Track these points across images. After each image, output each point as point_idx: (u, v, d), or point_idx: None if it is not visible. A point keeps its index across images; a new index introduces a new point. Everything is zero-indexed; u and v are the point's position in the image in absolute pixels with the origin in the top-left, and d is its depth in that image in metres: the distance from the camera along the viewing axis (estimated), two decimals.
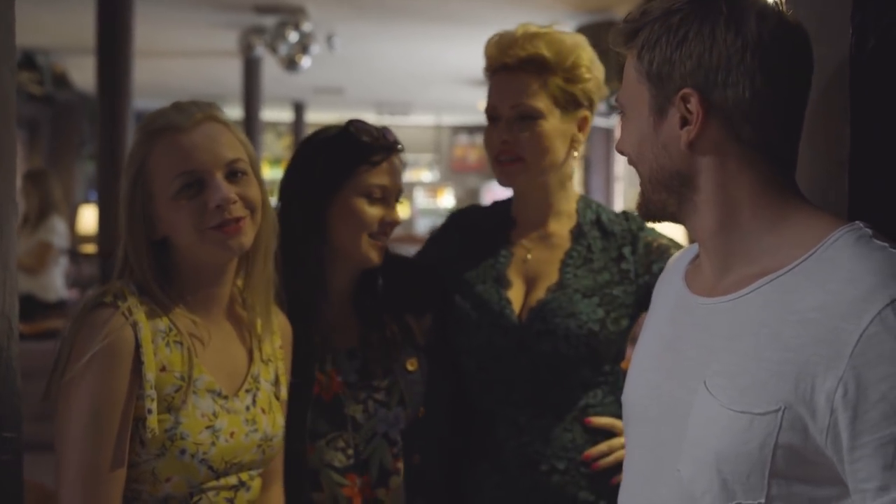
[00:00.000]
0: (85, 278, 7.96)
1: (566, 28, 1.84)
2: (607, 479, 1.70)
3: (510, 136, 1.74)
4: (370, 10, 7.19)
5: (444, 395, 1.81)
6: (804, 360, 0.98)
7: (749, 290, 1.07)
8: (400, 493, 1.76)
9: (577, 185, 1.88)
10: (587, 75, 1.76)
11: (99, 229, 5.49)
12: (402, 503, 1.76)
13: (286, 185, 1.79)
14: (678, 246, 1.76)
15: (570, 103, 1.76)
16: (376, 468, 1.73)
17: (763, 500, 1.02)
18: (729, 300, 1.09)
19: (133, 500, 1.41)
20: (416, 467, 1.78)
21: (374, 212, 1.73)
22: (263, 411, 1.51)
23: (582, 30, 6.99)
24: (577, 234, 1.80)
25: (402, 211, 1.81)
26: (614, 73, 1.33)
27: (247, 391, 1.49)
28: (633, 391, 1.24)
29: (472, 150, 15.96)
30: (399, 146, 1.78)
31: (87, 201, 10.55)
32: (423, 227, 14.10)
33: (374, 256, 1.75)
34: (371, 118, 1.87)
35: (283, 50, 7.44)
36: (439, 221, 2.14)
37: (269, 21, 7.43)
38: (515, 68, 1.73)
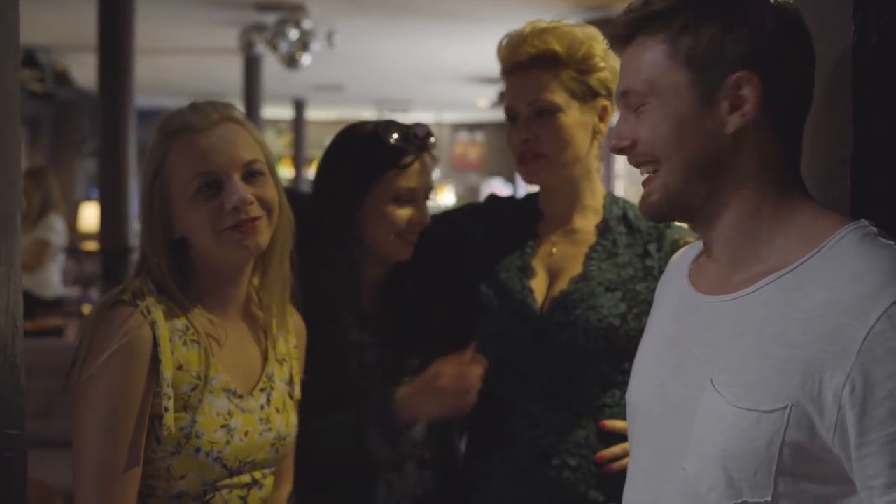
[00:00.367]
0: (86, 275, 7.97)
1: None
2: (619, 482, 1.70)
3: (529, 134, 1.74)
4: (370, 8, 7.19)
5: None
6: (810, 357, 0.98)
7: (755, 288, 1.07)
8: (412, 476, 1.78)
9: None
10: (601, 64, 1.76)
11: (100, 226, 5.50)
12: (412, 487, 1.79)
13: (318, 182, 1.83)
14: None
15: (588, 94, 1.76)
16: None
17: (769, 498, 1.02)
18: (735, 298, 1.09)
19: (148, 497, 1.42)
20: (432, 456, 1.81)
21: (403, 213, 1.75)
22: (277, 410, 1.52)
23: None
24: (603, 228, 1.80)
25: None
26: None
27: (261, 390, 1.50)
28: (638, 389, 1.23)
29: (473, 148, 15.97)
30: (431, 141, 1.79)
31: (88, 199, 10.56)
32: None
33: (403, 254, 1.78)
34: (371, 115, 1.88)
35: (283, 47, 7.44)
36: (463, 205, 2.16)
37: (270, 18, 7.42)
38: (528, 66, 1.74)
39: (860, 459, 0.96)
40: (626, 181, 9.89)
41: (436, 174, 1.88)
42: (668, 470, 1.12)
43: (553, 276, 1.78)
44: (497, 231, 1.87)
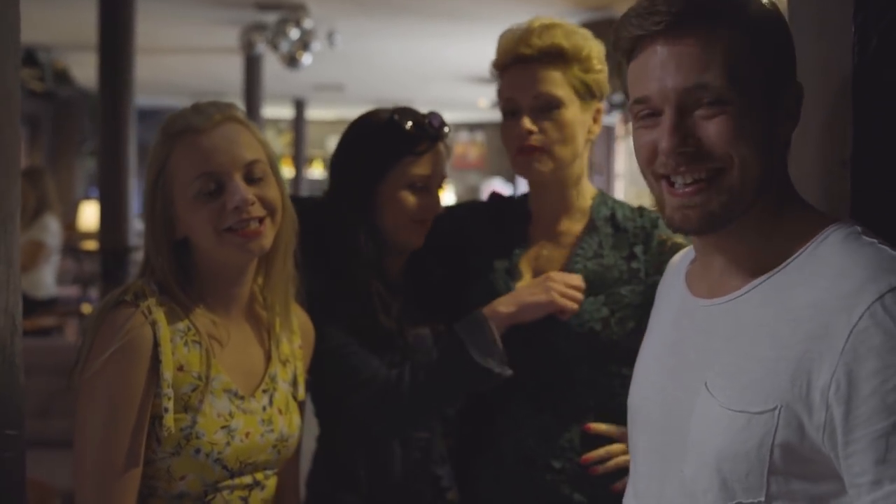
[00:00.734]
0: (86, 275, 7.96)
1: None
2: (603, 484, 1.70)
3: (534, 126, 1.74)
4: (371, 7, 7.19)
5: None
6: (798, 357, 0.99)
7: (746, 290, 1.08)
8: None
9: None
10: (599, 66, 1.77)
11: (100, 226, 5.50)
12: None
13: (334, 169, 1.84)
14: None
15: (587, 94, 1.77)
16: None
17: (763, 499, 1.02)
18: (728, 301, 1.09)
19: (149, 497, 1.42)
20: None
21: (416, 200, 1.77)
22: (280, 412, 1.52)
23: (582, 27, 6.97)
24: (590, 229, 1.80)
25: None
26: (615, 70, 1.25)
27: (264, 391, 1.50)
28: (638, 394, 1.24)
29: (473, 148, 15.96)
30: (445, 130, 1.81)
31: (87, 198, 10.56)
32: None
33: (416, 240, 1.80)
34: None
35: (284, 47, 7.43)
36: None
37: (271, 18, 7.42)
38: (533, 60, 1.74)
39: (847, 457, 0.96)
40: (627, 181, 9.87)
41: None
42: (668, 473, 1.12)
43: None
44: (491, 232, 1.87)
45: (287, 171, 15.37)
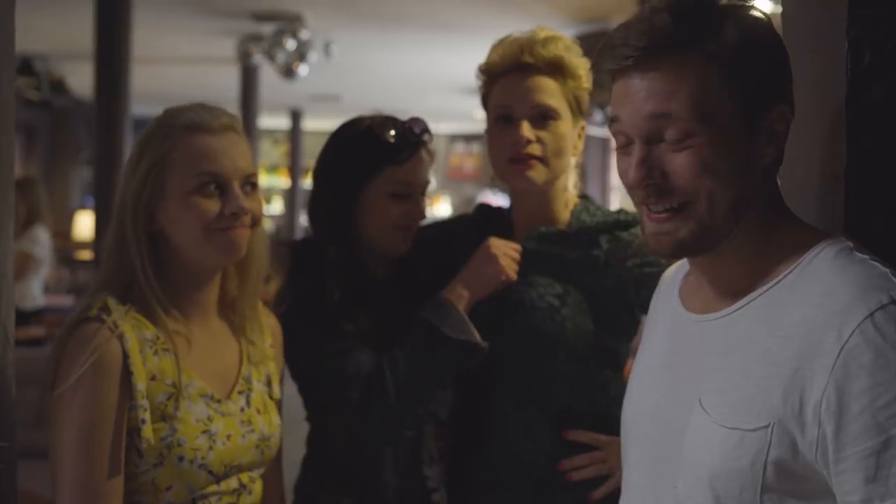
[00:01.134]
0: (81, 284, 7.95)
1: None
2: (586, 484, 1.70)
3: (532, 135, 1.73)
4: (367, 19, 7.20)
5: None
6: (790, 374, 0.98)
7: (739, 307, 1.07)
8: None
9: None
10: (587, 84, 1.78)
11: (95, 235, 5.49)
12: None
13: (316, 180, 1.85)
14: None
15: (577, 109, 1.78)
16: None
17: None
18: (721, 317, 1.09)
19: None
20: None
21: (399, 208, 1.77)
22: (258, 412, 1.51)
23: (579, 39, 6.99)
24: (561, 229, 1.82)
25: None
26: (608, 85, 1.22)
27: (239, 393, 1.50)
28: (631, 409, 1.23)
29: (469, 159, 15.99)
30: (427, 136, 1.81)
31: (83, 207, 10.54)
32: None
33: (400, 247, 1.80)
34: None
35: (280, 57, 7.45)
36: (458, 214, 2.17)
37: (267, 29, 7.44)
38: (534, 69, 1.73)
39: (838, 475, 0.96)
40: (622, 193, 9.88)
41: (431, 185, 1.89)
42: (662, 488, 1.12)
43: None
44: (476, 241, 1.85)
45: (283, 181, 15.38)
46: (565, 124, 1.75)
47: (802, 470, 0.99)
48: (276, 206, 16.05)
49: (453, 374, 1.75)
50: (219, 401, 1.46)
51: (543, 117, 1.74)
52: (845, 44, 1.19)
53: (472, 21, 6.87)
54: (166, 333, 1.43)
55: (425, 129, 1.81)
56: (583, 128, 1.81)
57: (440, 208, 15.67)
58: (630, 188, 1.07)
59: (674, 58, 1.02)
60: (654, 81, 1.03)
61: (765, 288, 1.05)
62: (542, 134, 1.73)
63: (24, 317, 5.68)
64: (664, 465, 1.12)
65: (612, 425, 1.39)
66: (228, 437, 1.44)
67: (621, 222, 1.78)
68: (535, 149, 1.73)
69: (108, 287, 1.43)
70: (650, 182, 1.04)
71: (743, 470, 1.00)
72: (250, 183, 1.48)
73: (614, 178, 9.55)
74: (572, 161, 1.81)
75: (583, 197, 1.87)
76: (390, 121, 1.80)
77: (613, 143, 1.14)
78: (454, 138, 16.12)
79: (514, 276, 1.73)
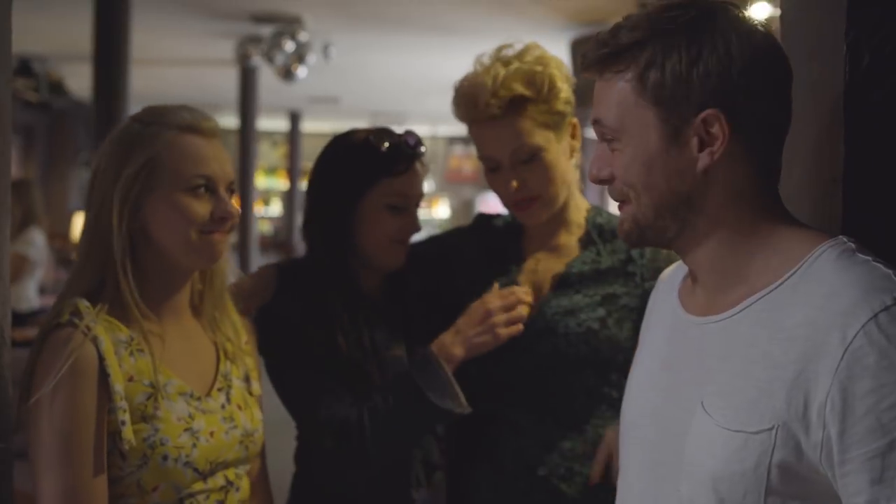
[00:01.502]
0: None
1: (560, 42, 1.84)
2: (604, 495, 1.69)
3: (519, 181, 1.72)
4: (366, 21, 7.21)
5: None
6: (794, 376, 0.98)
7: (739, 310, 1.07)
8: (441, 489, 1.79)
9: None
10: (562, 85, 1.73)
11: None
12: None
13: (311, 191, 1.83)
14: None
15: (559, 120, 1.74)
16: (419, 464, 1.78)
17: None
18: (721, 320, 1.09)
19: None
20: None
21: (395, 220, 1.76)
22: (240, 407, 1.51)
23: (576, 42, 7.01)
24: (586, 241, 1.80)
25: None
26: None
27: (219, 390, 1.50)
28: (630, 411, 1.23)
29: (468, 161, 15.99)
30: (422, 149, 1.80)
31: (82, 209, 10.52)
32: (418, 237, 14.12)
33: (395, 261, 1.79)
34: (367, 127, 1.87)
35: (279, 59, 7.45)
36: (434, 232, 2.15)
37: (266, 31, 7.44)
38: (499, 116, 1.70)
39: (843, 476, 0.96)
40: None
41: (430, 187, 1.89)
42: (663, 491, 1.12)
43: (537, 290, 1.78)
44: (484, 249, 1.86)
45: (282, 183, 15.38)
46: (551, 150, 1.73)
47: (807, 472, 0.99)
48: (274, 208, 16.05)
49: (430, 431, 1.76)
50: (199, 398, 1.45)
51: (525, 159, 1.72)
52: (844, 46, 1.19)
53: (472, 23, 6.87)
54: (141, 334, 1.42)
55: (419, 142, 1.81)
56: (575, 126, 1.78)
57: (439, 210, 15.68)
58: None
59: (606, 73, 1.11)
60: (598, 90, 1.13)
61: (766, 291, 1.05)
62: (528, 176, 1.72)
63: (20, 318, 5.68)
64: (664, 468, 1.11)
65: None
66: (211, 433, 1.44)
67: None
68: (525, 192, 1.73)
69: (82, 288, 1.42)
70: (600, 177, 1.14)
71: (747, 473, 1.00)
72: (230, 189, 1.49)
73: None
74: (575, 173, 1.81)
75: (594, 206, 1.87)
76: (386, 133, 1.79)
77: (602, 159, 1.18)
78: (453, 140, 16.12)
79: (508, 335, 1.69)
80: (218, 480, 1.45)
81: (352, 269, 1.78)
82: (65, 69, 9.61)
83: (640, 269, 1.74)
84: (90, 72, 5.61)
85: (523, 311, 1.70)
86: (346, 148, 1.80)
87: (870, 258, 1.02)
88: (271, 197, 16.01)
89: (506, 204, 1.79)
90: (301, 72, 7.66)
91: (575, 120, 1.79)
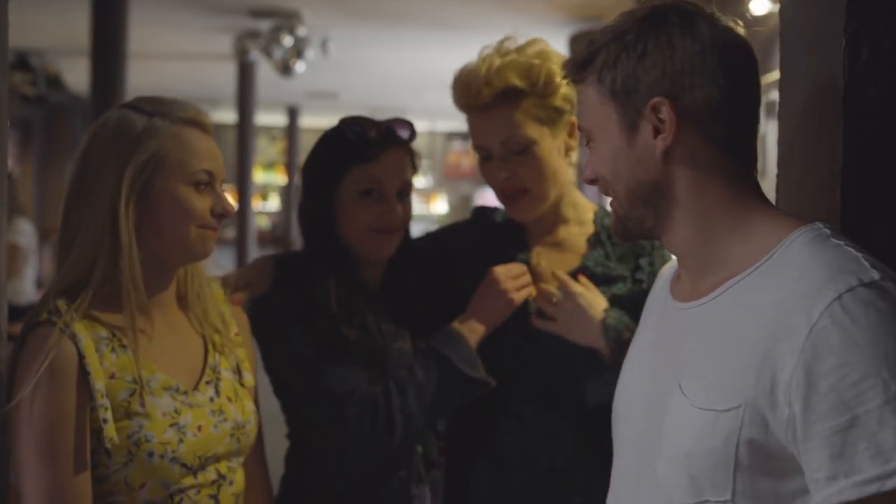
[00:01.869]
0: None
1: (560, 37, 1.84)
2: (603, 492, 1.69)
3: (509, 172, 1.73)
4: (365, 16, 7.20)
5: None
6: (763, 356, 1.01)
7: (717, 294, 1.11)
8: (437, 486, 1.79)
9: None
10: (560, 81, 1.71)
11: None
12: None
13: (301, 184, 1.84)
14: None
15: (555, 116, 1.74)
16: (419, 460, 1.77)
17: (729, 497, 1.04)
18: (700, 304, 1.13)
19: None
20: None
21: (372, 209, 1.73)
22: (230, 399, 1.49)
23: (575, 38, 7.01)
24: (595, 241, 1.79)
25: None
26: None
27: (207, 383, 1.47)
28: (620, 394, 1.28)
29: (466, 157, 15.99)
30: (404, 135, 1.78)
31: None
32: (416, 232, 14.11)
33: (378, 252, 1.77)
34: None
35: (277, 54, 7.44)
36: (432, 228, 2.14)
37: (264, 25, 7.43)
38: (490, 106, 1.71)
39: (806, 453, 0.98)
40: None
41: (428, 182, 1.89)
42: (643, 470, 1.16)
43: (540, 281, 1.78)
44: (485, 241, 1.86)
45: (280, 178, 15.37)
46: (543, 146, 1.73)
47: (774, 449, 1.01)
48: (272, 203, 16.05)
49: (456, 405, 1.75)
50: (185, 392, 1.43)
51: (516, 150, 1.72)
52: (843, 40, 1.19)
53: (470, 19, 6.86)
54: (131, 327, 1.39)
55: (407, 129, 1.79)
56: (573, 124, 1.77)
57: (437, 206, 15.68)
58: None
59: (578, 81, 1.21)
60: (577, 97, 1.25)
61: (743, 275, 1.09)
62: (519, 169, 1.72)
63: (18, 312, 5.68)
64: (646, 447, 1.16)
65: None
66: (199, 428, 1.42)
67: (655, 245, 1.77)
68: (515, 183, 1.73)
69: (70, 280, 1.39)
70: (589, 179, 1.22)
71: (716, 449, 1.04)
72: (224, 186, 1.49)
73: None
74: (570, 161, 1.80)
75: (599, 206, 1.86)
76: (360, 120, 1.78)
77: (584, 163, 1.26)
78: (451, 136, 16.12)
79: (522, 298, 1.71)
80: (209, 475, 1.43)
81: (349, 260, 1.77)
82: (62, 63, 9.60)
83: (647, 275, 1.75)
84: (88, 66, 5.61)
85: (527, 279, 1.72)
86: (323, 138, 1.80)
87: (842, 242, 1.04)
88: (269, 192, 16.01)
89: (497, 195, 1.79)
90: (299, 67, 7.65)
91: (574, 118, 1.78)
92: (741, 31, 1.15)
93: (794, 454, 1.00)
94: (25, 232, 5.85)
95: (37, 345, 1.33)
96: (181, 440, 1.39)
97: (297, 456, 1.80)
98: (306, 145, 1.87)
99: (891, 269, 1.02)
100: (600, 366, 1.71)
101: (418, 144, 1.86)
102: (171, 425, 1.39)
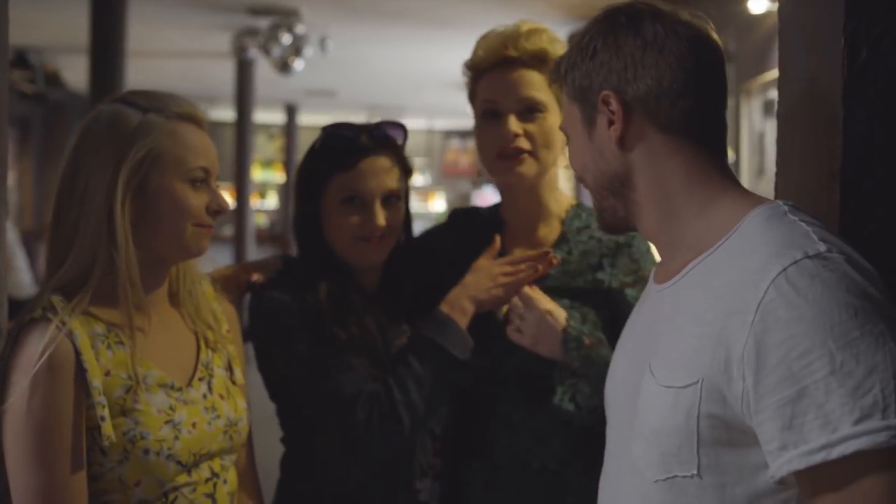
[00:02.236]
0: None
1: (559, 35, 1.85)
2: (596, 487, 1.69)
3: (520, 129, 1.72)
4: (363, 14, 7.19)
5: None
6: (717, 332, 1.03)
7: (683, 274, 1.14)
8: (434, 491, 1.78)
9: (568, 192, 1.87)
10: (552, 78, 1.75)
11: None
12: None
13: (293, 190, 1.84)
14: None
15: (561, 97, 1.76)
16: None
17: (695, 471, 1.06)
18: (670, 285, 1.17)
19: None
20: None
21: (353, 217, 1.72)
22: (222, 397, 1.48)
23: (572, 37, 7.00)
24: (561, 239, 1.80)
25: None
26: None
27: (200, 380, 1.47)
28: (608, 379, 1.32)
29: (464, 155, 15.97)
30: (385, 143, 1.76)
31: None
32: (415, 231, 14.10)
33: (362, 259, 1.76)
34: (362, 121, 1.85)
35: (276, 52, 7.43)
36: (430, 226, 2.14)
37: (263, 23, 7.42)
38: (519, 63, 1.73)
39: (759, 425, 1.00)
40: None
41: (425, 181, 1.88)
42: (622, 451, 1.19)
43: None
44: (464, 244, 1.84)
45: (278, 176, 15.36)
46: (553, 116, 1.74)
47: (734, 423, 1.03)
48: (270, 201, 16.04)
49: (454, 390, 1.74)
50: (179, 389, 1.42)
51: (530, 110, 1.73)
52: (842, 39, 1.19)
53: (469, 17, 6.86)
54: (128, 325, 1.38)
55: (397, 132, 1.77)
56: None
57: (435, 204, 15.67)
58: None
59: (559, 87, 1.31)
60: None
61: (706, 254, 1.12)
62: (530, 127, 1.73)
63: (18, 305, 5.68)
64: (624, 428, 1.19)
65: None
66: (194, 424, 1.41)
67: (621, 245, 1.77)
68: (523, 143, 1.72)
69: (67, 278, 1.37)
70: (577, 177, 1.29)
71: (679, 426, 1.06)
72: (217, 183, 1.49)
73: None
74: (561, 157, 1.80)
75: (576, 204, 1.86)
76: (341, 126, 1.77)
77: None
78: (449, 134, 16.11)
79: (508, 280, 1.70)
80: (203, 473, 1.42)
81: (342, 264, 1.76)
82: (61, 61, 9.59)
83: (609, 276, 1.75)
84: (86, 64, 5.60)
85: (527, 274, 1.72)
86: (311, 147, 1.80)
87: (796, 219, 1.07)
88: (267, 190, 15.98)
89: (495, 158, 1.75)
90: (298, 65, 7.64)
91: None
92: (699, 24, 1.19)
93: (751, 427, 1.01)
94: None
95: (32, 342, 1.31)
96: (176, 437, 1.38)
97: (295, 459, 1.79)
98: (304, 143, 1.87)
99: (886, 266, 1.04)
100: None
101: (417, 142, 1.87)
102: (167, 422, 1.38)
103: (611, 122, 1.18)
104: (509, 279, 1.70)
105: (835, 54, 1.20)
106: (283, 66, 7.63)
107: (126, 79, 5.55)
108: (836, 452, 0.94)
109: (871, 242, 1.08)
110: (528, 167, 1.74)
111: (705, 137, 1.17)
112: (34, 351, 1.30)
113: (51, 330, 1.31)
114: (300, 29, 7.35)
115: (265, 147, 15.84)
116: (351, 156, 1.73)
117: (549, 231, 1.81)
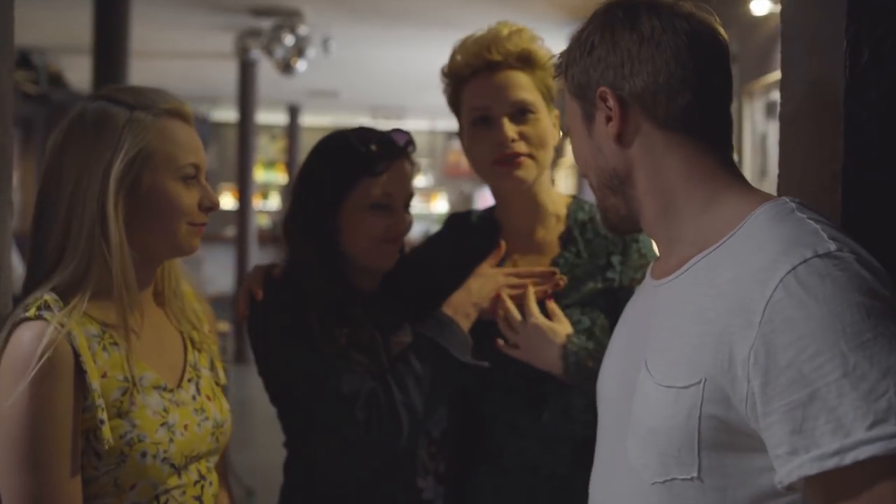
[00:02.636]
0: None
1: (559, 37, 1.85)
2: None
3: (515, 133, 1.71)
4: (366, 15, 7.20)
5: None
6: (720, 331, 1.01)
7: (683, 271, 1.12)
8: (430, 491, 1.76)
9: (569, 189, 1.87)
10: (554, 72, 1.74)
11: None
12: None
13: (296, 191, 1.80)
14: None
15: (549, 98, 1.76)
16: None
17: (695, 474, 1.04)
18: (668, 281, 1.14)
19: None
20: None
21: (379, 221, 1.72)
22: (209, 398, 1.47)
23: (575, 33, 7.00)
24: (566, 239, 1.78)
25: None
26: None
27: (189, 381, 1.46)
28: (602, 374, 1.30)
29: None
30: (409, 148, 1.77)
31: None
32: (417, 232, 14.11)
33: (385, 261, 1.76)
34: (365, 122, 1.85)
35: (278, 53, 7.44)
36: (433, 227, 2.13)
37: (266, 24, 7.43)
38: (504, 66, 1.72)
39: (766, 428, 0.97)
40: None
41: (428, 181, 1.88)
42: (616, 450, 1.17)
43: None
44: (462, 250, 1.83)
45: (280, 177, 15.36)
46: (543, 116, 1.73)
47: (737, 425, 1.01)
48: (273, 202, 16.04)
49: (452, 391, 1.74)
50: (171, 390, 1.40)
51: (522, 112, 1.72)
52: (844, 41, 1.19)
53: (471, 18, 6.84)
54: (123, 326, 1.36)
55: (409, 141, 1.78)
56: (557, 116, 1.78)
57: (437, 205, 15.67)
58: None
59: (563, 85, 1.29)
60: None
61: (709, 251, 1.09)
62: (524, 129, 1.71)
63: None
64: (618, 427, 1.17)
65: None
66: (186, 427, 1.39)
67: (628, 240, 1.76)
68: (520, 146, 1.71)
69: (62, 280, 1.34)
70: (580, 174, 1.33)
71: (679, 427, 1.04)
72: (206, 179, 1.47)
73: None
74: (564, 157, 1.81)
75: (575, 198, 1.86)
76: (368, 132, 1.76)
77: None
78: (452, 135, 16.09)
79: (509, 284, 1.71)
80: (192, 475, 1.41)
81: (343, 270, 1.75)
82: (64, 62, 9.59)
83: (618, 274, 1.73)
84: (89, 64, 5.61)
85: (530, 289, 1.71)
86: (330, 148, 1.77)
87: (804, 216, 1.04)
88: (270, 191, 15.98)
89: (489, 164, 1.74)
90: (300, 65, 7.65)
91: (557, 112, 1.78)
92: (701, 17, 1.16)
93: (756, 430, 0.99)
94: None
95: (28, 343, 1.27)
96: (171, 440, 1.36)
97: (297, 462, 1.79)
98: (307, 144, 1.85)
99: (886, 266, 1.02)
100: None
101: (419, 143, 1.85)
102: (162, 424, 1.36)
103: (609, 119, 1.17)
104: (514, 292, 1.70)
105: (837, 56, 1.21)
106: (286, 67, 7.63)
107: (129, 79, 5.55)
108: (849, 458, 0.91)
109: (872, 243, 1.08)
110: (527, 170, 1.73)
111: (707, 133, 1.15)
112: (30, 352, 1.26)
113: (50, 331, 1.27)
114: (303, 30, 7.35)
115: (268, 148, 15.84)
116: (383, 161, 1.72)
117: (547, 232, 1.80)
